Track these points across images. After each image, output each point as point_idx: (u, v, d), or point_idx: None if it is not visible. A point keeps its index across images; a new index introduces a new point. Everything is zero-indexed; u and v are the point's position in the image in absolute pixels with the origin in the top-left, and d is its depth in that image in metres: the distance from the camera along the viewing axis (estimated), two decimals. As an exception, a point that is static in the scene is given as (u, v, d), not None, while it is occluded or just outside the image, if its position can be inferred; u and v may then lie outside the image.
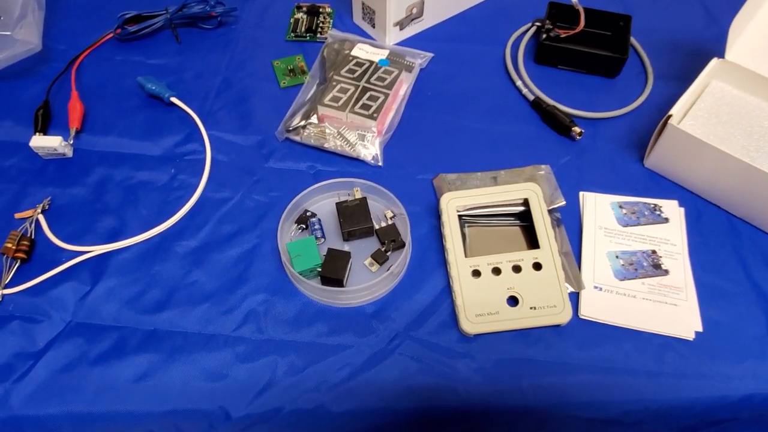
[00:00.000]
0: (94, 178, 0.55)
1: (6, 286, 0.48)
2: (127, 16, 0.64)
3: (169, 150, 0.57)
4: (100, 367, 0.45)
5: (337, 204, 0.51)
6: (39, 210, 0.52)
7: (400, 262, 0.48)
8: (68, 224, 0.52)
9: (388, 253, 0.49)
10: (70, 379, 0.45)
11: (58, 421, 0.43)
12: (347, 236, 0.50)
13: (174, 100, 0.59)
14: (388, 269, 0.48)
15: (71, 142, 0.57)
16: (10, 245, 0.49)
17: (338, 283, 0.47)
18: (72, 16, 0.68)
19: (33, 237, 0.51)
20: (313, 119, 0.57)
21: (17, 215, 0.52)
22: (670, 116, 0.51)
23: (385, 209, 0.52)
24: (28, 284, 0.49)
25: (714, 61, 0.55)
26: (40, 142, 0.55)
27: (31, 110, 0.58)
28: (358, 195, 0.52)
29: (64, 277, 0.49)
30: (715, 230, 0.52)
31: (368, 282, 0.47)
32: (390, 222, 0.51)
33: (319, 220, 0.51)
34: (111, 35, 0.65)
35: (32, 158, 0.56)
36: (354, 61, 0.60)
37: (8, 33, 0.58)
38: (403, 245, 0.49)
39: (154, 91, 0.59)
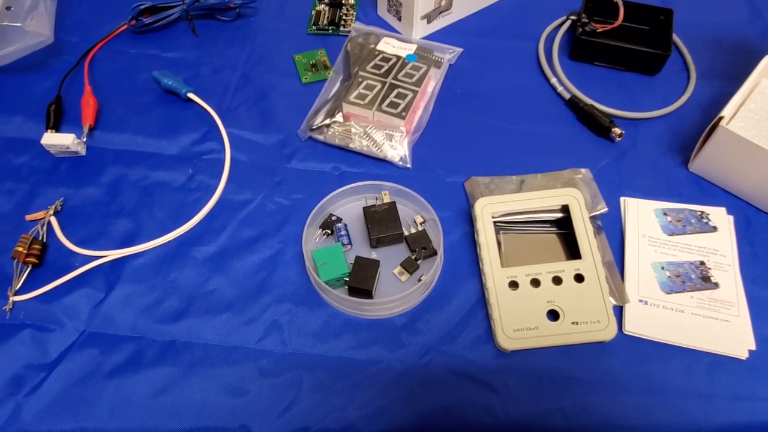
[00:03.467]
0: (108, 177, 0.53)
1: (17, 293, 0.46)
2: (142, 6, 0.62)
3: (187, 149, 0.54)
4: (116, 380, 0.43)
5: (364, 208, 0.48)
6: (51, 212, 0.50)
7: (432, 271, 0.45)
8: (81, 227, 0.50)
9: (419, 261, 0.46)
10: (84, 392, 0.42)
11: (72, 437, 0.41)
12: (375, 243, 0.47)
13: (191, 95, 0.57)
14: (419, 279, 0.45)
15: (84, 139, 0.54)
16: (21, 249, 0.47)
17: (367, 294, 0.44)
18: (85, 7, 0.65)
19: (45, 240, 0.48)
20: (338, 117, 0.54)
21: (28, 217, 0.50)
22: (721, 118, 0.48)
23: (414, 214, 0.49)
24: (40, 291, 0.46)
25: (765, 60, 0.52)
26: (52, 139, 0.52)
27: (43, 105, 0.56)
28: (387, 199, 0.49)
29: (78, 284, 0.47)
30: (767, 240, 0.48)
31: (398, 293, 0.44)
32: (420, 228, 0.48)
33: (345, 225, 0.48)
34: (125, 27, 0.63)
35: (44, 156, 0.54)
36: (380, 56, 0.57)
37: (19, 24, 0.56)
38: (434, 253, 0.46)
39: (171, 87, 0.57)
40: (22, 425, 0.41)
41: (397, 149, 0.53)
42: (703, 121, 0.54)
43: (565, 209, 0.47)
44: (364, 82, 0.54)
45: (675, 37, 0.61)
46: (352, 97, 0.53)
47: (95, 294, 0.46)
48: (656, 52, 0.57)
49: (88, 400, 0.42)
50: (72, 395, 0.42)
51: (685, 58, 0.60)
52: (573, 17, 0.63)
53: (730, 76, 0.58)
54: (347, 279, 0.45)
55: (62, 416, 0.41)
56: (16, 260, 0.47)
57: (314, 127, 0.54)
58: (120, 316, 0.45)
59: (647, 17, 0.61)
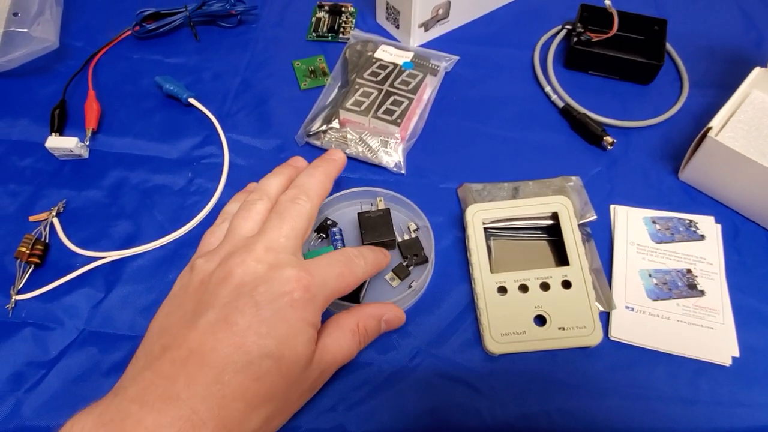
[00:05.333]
0: (109, 180, 0.54)
1: (19, 292, 0.47)
2: (146, 13, 0.63)
3: (187, 153, 0.56)
4: (113, 378, 0.44)
5: (359, 214, 0.49)
6: (54, 213, 0.51)
7: (423, 278, 0.46)
8: (83, 228, 0.51)
9: (410, 268, 0.47)
10: (83, 389, 0.43)
11: (70, 433, 0.42)
12: (368, 248, 0.48)
13: (192, 101, 0.58)
14: (410, 285, 0.46)
15: (87, 143, 0.55)
16: (24, 249, 0.48)
17: (354, 299, 0.45)
18: (90, 13, 0.67)
19: (47, 241, 0.50)
20: (335, 124, 0.55)
21: (32, 218, 0.51)
22: (710, 128, 0.49)
23: (408, 221, 0.50)
24: (42, 290, 0.47)
25: (756, 71, 0.53)
26: (55, 142, 0.54)
27: (48, 109, 0.57)
28: (382, 205, 0.50)
29: (78, 284, 0.48)
30: (754, 249, 0.49)
31: (389, 298, 0.45)
32: (413, 235, 0.49)
33: (340, 230, 0.49)
34: (129, 33, 0.64)
35: (48, 159, 0.55)
36: (377, 64, 0.58)
37: (25, 30, 0.57)
38: (426, 260, 0.47)
39: (172, 92, 0.58)
40: (21, 420, 0.42)
41: (392, 155, 0.54)
42: (694, 131, 0.55)
43: (554, 216, 0.48)
44: (361, 89, 0.55)
45: (669, 47, 0.62)
46: (348, 104, 0.54)
47: (95, 294, 0.48)
48: (649, 62, 0.58)
49: (86, 397, 0.43)
50: (71, 392, 0.43)
51: (679, 67, 0.61)
52: (568, 26, 0.64)
53: (724, 86, 0.58)
54: (339, 282, 0.46)
55: (61, 412, 0.42)
56: (19, 260, 0.48)
57: (311, 133, 0.55)
58: (119, 316, 0.47)
59: (642, 27, 0.61)
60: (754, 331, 0.45)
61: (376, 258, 0.43)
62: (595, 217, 0.50)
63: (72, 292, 0.48)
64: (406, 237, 0.49)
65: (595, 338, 0.44)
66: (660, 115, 0.57)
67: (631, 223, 0.50)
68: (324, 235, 0.49)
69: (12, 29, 0.57)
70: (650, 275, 0.47)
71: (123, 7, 0.66)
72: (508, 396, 0.43)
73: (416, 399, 0.43)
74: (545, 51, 0.63)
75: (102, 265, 0.49)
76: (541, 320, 0.45)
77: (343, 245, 0.49)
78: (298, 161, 0.47)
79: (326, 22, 0.65)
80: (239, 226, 0.39)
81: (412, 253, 0.47)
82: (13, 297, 0.47)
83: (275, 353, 0.33)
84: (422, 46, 0.63)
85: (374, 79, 0.56)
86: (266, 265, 0.35)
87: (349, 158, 0.54)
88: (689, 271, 0.47)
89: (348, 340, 0.39)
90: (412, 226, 0.49)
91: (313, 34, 0.65)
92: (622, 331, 0.45)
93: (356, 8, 0.67)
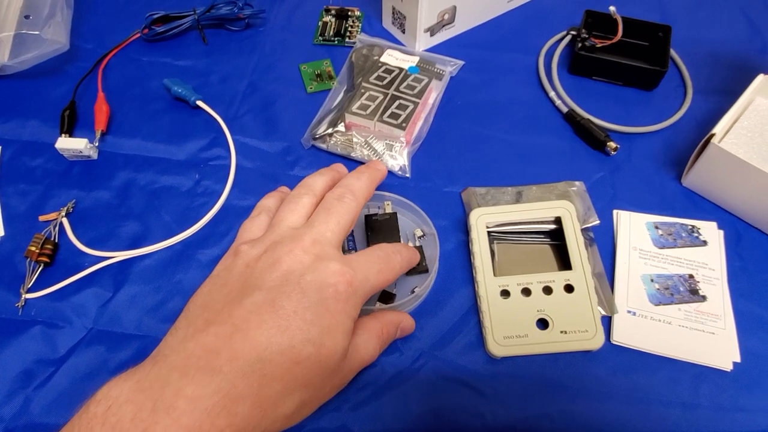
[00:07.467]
0: (118, 181, 0.55)
1: (29, 290, 0.48)
2: (155, 16, 0.64)
3: (194, 155, 0.56)
4: (121, 376, 0.44)
5: (366, 216, 0.49)
6: (63, 213, 0.52)
7: (426, 284, 0.47)
8: (92, 228, 0.52)
9: (395, 291, 0.47)
10: (91, 387, 0.42)
11: (78, 430, 0.43)
12: (373, 251, 0.48)
13: (200, 103, 0.59)
14: (412, 291, 0.46)
15: (96, 144, 0.56)
16: (33, 249, 0.49)
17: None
18: (100, 16, 0.68)
19: (56, 240, 0.51)
20: (340, 127, 0.56)
21: (41, 218, 0.52)
22: (713, 135, 0.49)
23: (414, 227, 0.50)
24: (51, 289, 0.48)
25: (760, 78, 0.53)
26: (65, 143, 0.55)
27: (58, 110, 0.58)
28: (389, 209, 0.50)
29: (87, 283, 0.49)
30: (756, 255, 0.49)
31: (391, 302, 0.45)
32: (418, 243, 0.49)
33: (352, 230, 0.50)
34: (138, 35, 0.65)
35: (58, 159, 0.56)
36: (383, 68, 0.59)
37: (37, 32, 0.58)
38: (426, 270, 0.48)
39: (180, 94, 0.59)
40: (30, 417, 0.43)
41: (396, 159, 0.54)
42: (698, 137, 0.55)
43: (557, 221, 0.49)
44: (367, 93, 0.56)
45: (673, 53, 0.63)
46: (354, 108, 0.55)
47: (103, 293, 0.48)
48: (653, 68, 0.59)
49: (94, 395, 0.44)
50: (79, 390, 0.44)
51: (683, 73, 0.62)
52: (573, 32, 0.64)
53: (728, 92, 0.59)
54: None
55: (69, 409, 0.43)
56: (29, 259, 0.49)
57: (317, 136, 0.56)
58: (126, 315, 0.47)
59: (646, 33, 0.62)
60: (755, 336, 0.45)
61: (410, 255, 0.44)
62: (597, 221, 0.51)
63: (80, 291, 0.48)
64: (410, 244, 0.49)
65: (596, 342, 0.44)
66: (663, 121, 0.57)
67: (633, 228, 0.51)
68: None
69: (24, 31, 0.58)
70: (652, 280, 0.48)
71: (132, 10, 0.67)
72: (510, 398, 0.43)
73: (419, 400, 0.43)
74: (550, 56, 0.63)
75: (110, 264, 0.50)
76: (543, 324, 0.45)
77: (354, 247, 0.49)
78: (340, 167, 0.47)
79: (333, 26, 0.66)
80: (285, 218, 0.40)
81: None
82: (23, 295, 0.48)
83: (317, 340, 0.34)
84: (428, 50, 0.64)
85: (380, 83, 0.57)
86: (313, 256, 0.36)
87: (354, 161, 0.55)
88: (691, 276, 0.48)
89: (374, 343, 0.40)
90: (418, 233, 0.50)
91: (320, 38, 0.65)
92: (624, 335, 0.45)
93: (363, 12, 0.67)
